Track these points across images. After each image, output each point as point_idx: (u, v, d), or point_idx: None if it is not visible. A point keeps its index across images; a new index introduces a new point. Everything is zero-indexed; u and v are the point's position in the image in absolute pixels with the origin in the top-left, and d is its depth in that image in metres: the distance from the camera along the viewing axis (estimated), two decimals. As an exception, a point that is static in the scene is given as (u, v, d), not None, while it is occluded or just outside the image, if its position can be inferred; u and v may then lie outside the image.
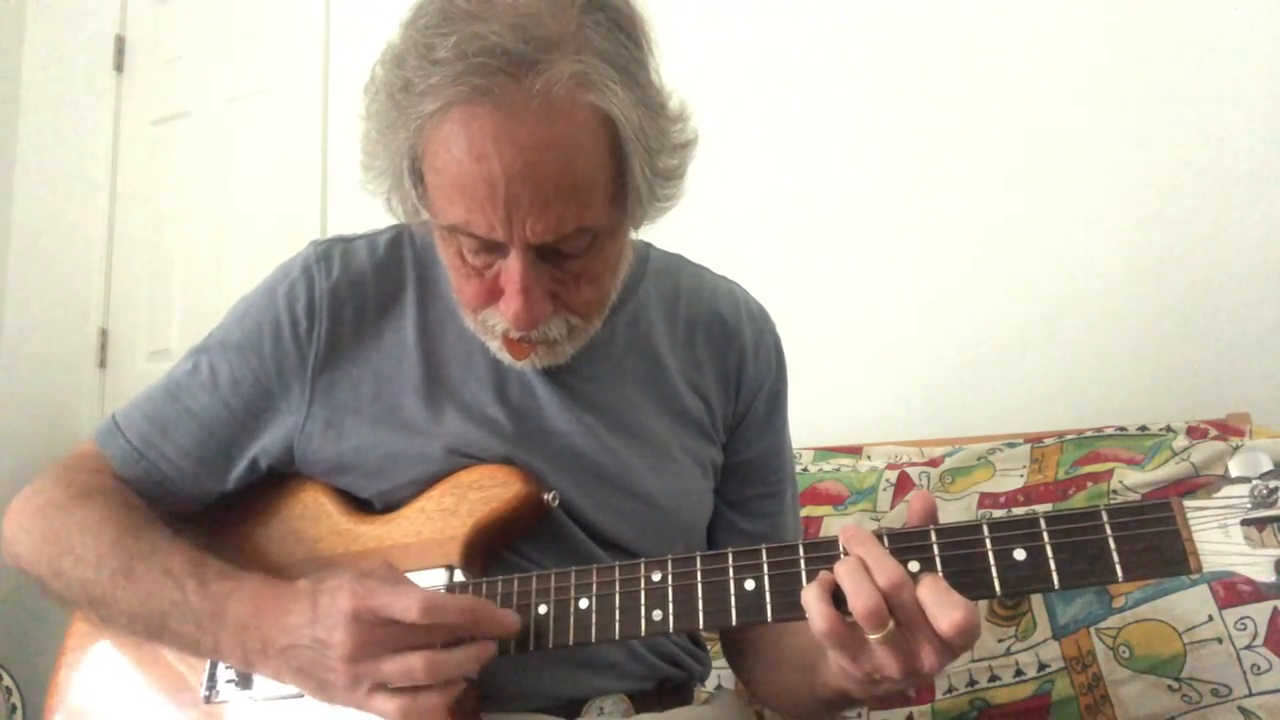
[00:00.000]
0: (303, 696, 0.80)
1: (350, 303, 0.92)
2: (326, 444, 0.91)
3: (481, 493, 0.86)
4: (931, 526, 0.69)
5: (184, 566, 0.82)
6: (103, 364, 2.91)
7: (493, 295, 0.81)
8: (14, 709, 2.30)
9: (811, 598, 0.67)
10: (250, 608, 0.79)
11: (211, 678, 0.89)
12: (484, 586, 0.81)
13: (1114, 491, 1.26)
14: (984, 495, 1.38)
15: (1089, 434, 1.38)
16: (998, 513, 1.34)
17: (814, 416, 1.50)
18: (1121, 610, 1.20)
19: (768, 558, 0.72)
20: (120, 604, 0.83)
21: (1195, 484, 1.20)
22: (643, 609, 0.75)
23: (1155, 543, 0.63)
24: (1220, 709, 1.10)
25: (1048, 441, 1.40)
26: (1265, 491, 0.60)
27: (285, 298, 0.91)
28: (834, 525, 1.43)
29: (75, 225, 2.98)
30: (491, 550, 0.87)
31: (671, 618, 0.74)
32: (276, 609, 0.78)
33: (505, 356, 0.86)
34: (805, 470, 1.54)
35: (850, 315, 1.85)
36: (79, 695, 0.97)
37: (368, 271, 0.93)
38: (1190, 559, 0.61)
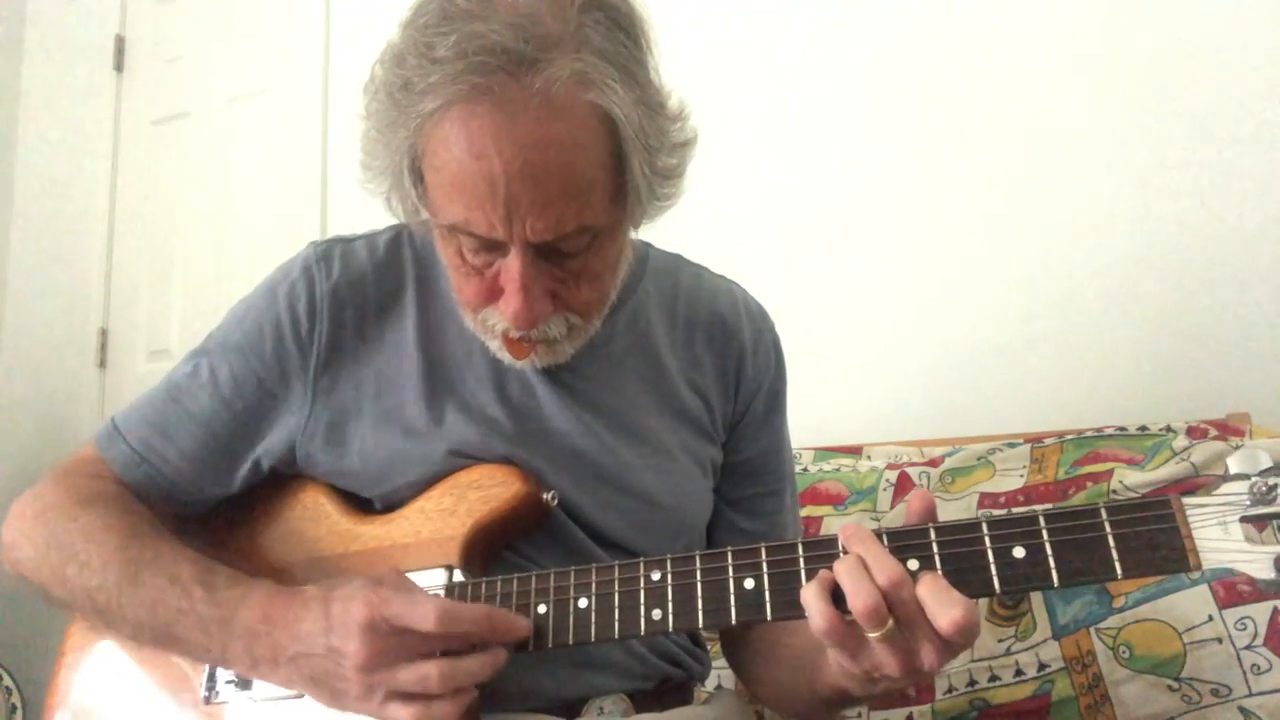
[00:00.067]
0: (302, 697, 0.80)
1: (351, 303, 0.92)
2: (329, 445, 0.91)
3: (481, 492, 0.86)
4: (931, 525, 0.68)
5: (191, 573, 0.82)
6: (103, 364, 2.91)
7: (492, 294, 0.81)
8: (14, 709, 2.30)
9: (811, 596, 0.67)
10: (260, 615, 0.79)
11: (211, 678, 0.89)
12: (483, 586, 0.81)
13: (1114, 491, 1.26)
14: (984, 495, 1.38)
15: (1089, 434, 1.38)
16: (998, 512, 1.34)
17: (814, 416, 1.50)
18: (1121, 610, 1.19)
19: (767, 556, 0.72)
20: (125, 612, 0.82)
21: (1195, 484, 1.20)
22: (642, 608, 0.75)
23: (1155, 540, 0.62)
24: (1220, 709, 1.10)
25: (1048, 441, 1.40)
26: (1264, 489, 0.60)
27: (286, 298, 0.91)
28: (834, 525, 1.43)
29: (75, 225, 2.98)
30: (491, 550, 0.87)
31: (671, 617, 0.74)
32: (287, 617, 0.78)
33: (505, 356, 0.86)
34: (805, 470, 1.54)
35: (850, 315, 1.85)
36: (79, 695, 0.97)
37: (368, 272, 0.93)
38: (1190, 556, 0.61)
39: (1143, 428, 1.35)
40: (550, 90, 0.72)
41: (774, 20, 2.00)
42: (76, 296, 2.96)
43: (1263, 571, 0.59)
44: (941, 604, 0.64)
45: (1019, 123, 1.73)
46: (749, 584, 0.72)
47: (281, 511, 0.95)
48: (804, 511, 1.39)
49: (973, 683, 1.25)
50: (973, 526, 0.67)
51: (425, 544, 0.86)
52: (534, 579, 0.79)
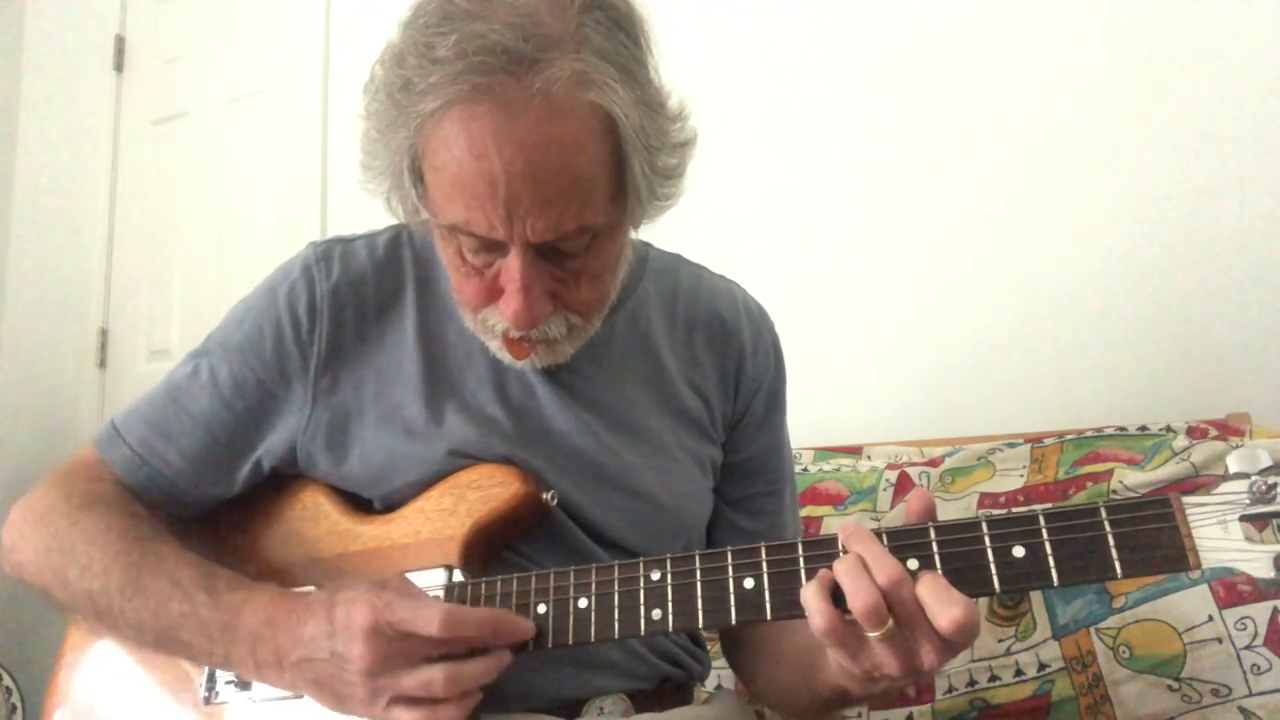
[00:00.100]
0: (302, 697, 0.80)
1: (351, 303, 0.92)
2: (329, 445, 0.91)
3: (480, 492, 0.86)
4: (930, 524, 0.68)
5: (193, 577, 0.82)
6: (103, 364, 2.90)
7: (492, 294, 0.81)
8: (14, 709, 2.30)
9: (811, 596, 0.67)
10: (263, 619, 0.79)
11: (211, 678, 0.89)
12: (483, 586, 0.81)
13: (1114, 491, 1.26)
14: (984, 495, 1.38)
15: (1089, 434, 1.38)
16: (997, 512, 1.34)
17: (814, 416, 1.50)
18: (1121, 610, 1.20)
19: (767, 556, 0.72)
20: (127, 615, 0.82)
21: (1195, 484, 1.20)
22: (642, 608, 0.75)
23: (1154, 539, 0.62)
24: (1220, 709, 1.10)
25: (1048, 441, 1.40)
26: (1264, 488, 0.60)
27: (286, 298, 0.91)
28: (834, 525, 1.43)
29: (75, 225, 2.98)
30: (490, 550, 0.87)
31: (671, 617, 0.74)
32: (290, 621, 0.78)
33: (505, 356, 0.86)
34: (805, 470, 1.54)
35: (850, 315, 1.85)
36: (79, 695, 0.97)
37: (367, 272, 0.93)
38: (1189, 555, 0.61)
39: (1143, 428, 1.35)
40: (551, 90, 0.72)
41: (774, 20, 2.00)
42: (76, 296, 2.95)
43: (1262, 571, 0.59)
44: (941, 603, 0.64)
45: (1019, 123, 1.73)
46: (749, 584, 0.72)
47: (281, 512, 0.95)
48: (804, 511, 1.39)
49: (973, 683, 1.25)
50: (972, 526, 0.67)
51: (425, 544, 0.86)
52: (534, 579, 0.79)
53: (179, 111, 2.90)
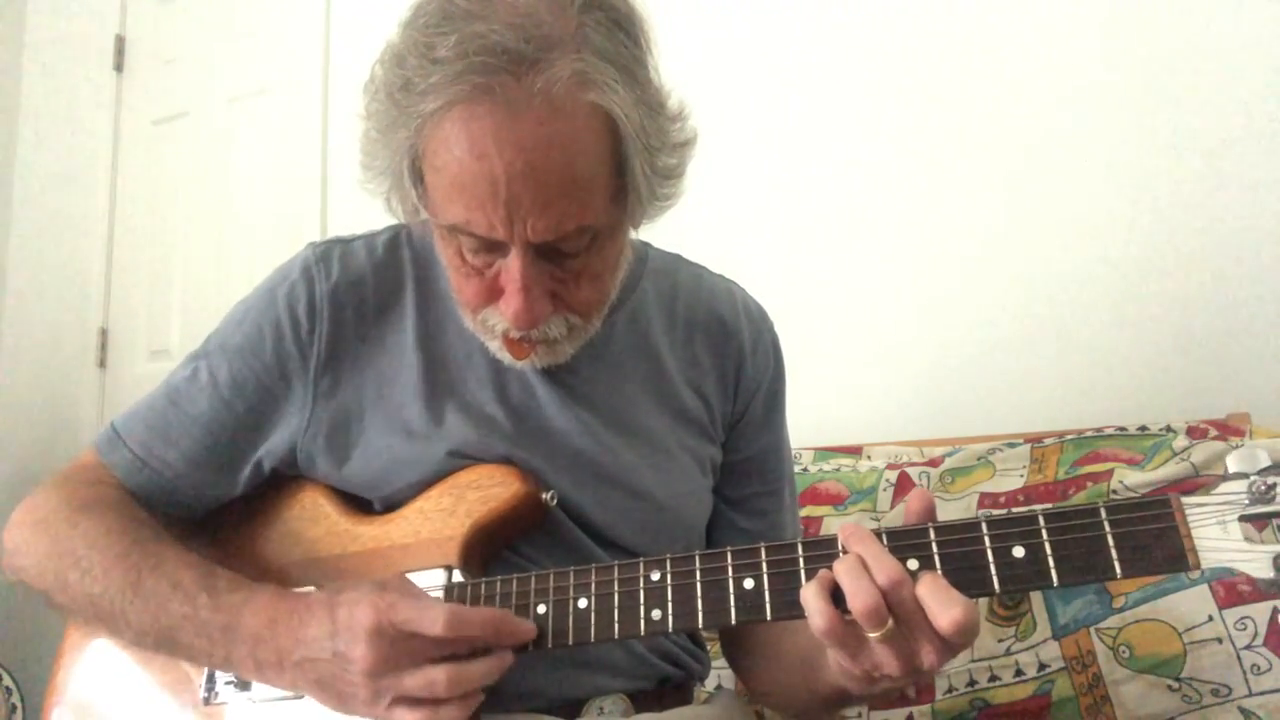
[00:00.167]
0: (302, 698, 0.80)
1: (350, 304, 0.92)
2: (330, 446, 0.91)
3: (480, 493, 0.86)
4: (930, 524, 0.68)
5: (194, 579, 0.82)
6: (103, 364, 2.90)
7: (493, 295, 0.81)
8: (14, 709, 2.30)
9: (811, 596, 0.67)
10: (264, 619, 0.79)
11: (210, 679, 0.89)
12: (483, 587, 0.81)
13: (1114, 491, 1.26)
14: (984, 495, 1.38)
15: (1089, 434, 1.38)
16: (997, 512, 1.34)
17: (814, 416, 1.51)
18: (1121, 610, 1.20)
19: (767, 556, 0.72)
20: (128, 618, 0.82)
21: (1195, 484, 1.20)
22: (642, 608, 0.75)
23: (1154, 539, 0.62)
24: (1220, 709, 1.10)
25: (1048, 441, 1.40)
26: (1263, 488, 0.60)
27: (286, 299, 0.91)
28: (834, 525, 1.43)
29: (75, 225, 2.98)
30: (490, 550, 0.87)
31: (671, 617, 0.74)
32: (292, 621, 0.78)
33: (505, 356, 0.86)
34: (805, 470, 1.54)
35: (850, 315, 1.85)
36: (78, 696, 0.97)
37: (367, 273, 0.93)
38: (1189, 555, 0.61)
39: (1143, 428, 1.35)
40: (551, 90, 0.72)
41: (774, 20, 2.00)
42: (76, 296, 2.95)
43: (1262, 571, 0.59)
44: (941, 604, 0.64)
45: (1019, 123, 1.73)
46: (749, 584, 0.72)
47: (280, 512, 0.95)
48: (804, 511, 1.39)
49: (973, 683, 1.25)
50: (972, 526, 0.67)
51: (424, 544, 0.86)
52: (533, 579, 0.79)
53: (179, 111, 2.90)
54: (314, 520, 0.93)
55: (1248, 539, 0.60)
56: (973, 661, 1.25)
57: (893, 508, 1.42)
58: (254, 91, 2.77)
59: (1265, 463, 0.61)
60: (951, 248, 1.77)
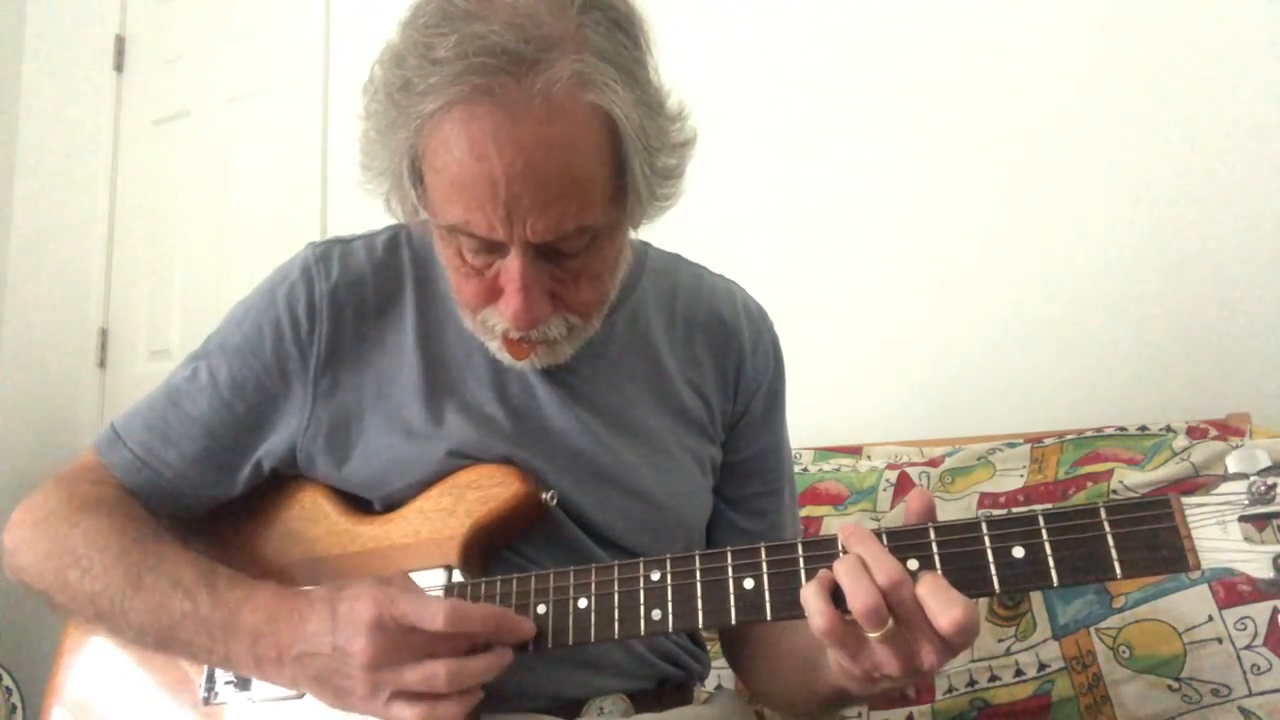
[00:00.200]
0: (302, 698, 0.80)
1: (350, 304, 0.92)
2: (330, 446, 0.91)
3: (479, 492, 0.86)
4: (930, 524, 0.68)
5: (194, 577, 0.82)
6: (103, 364, 2.90)
7: (492, 295, 0.81)
8: (14, 709, 2.30)
9: (811, 596, 0.67)
10: (264, 616, 0.79)
11: (210, 679, 0.89)
12: (482, 586, 0.81)
13: (1114, 491, 1.26)
14: (984, 495, 1.38)
15: (1089, 434, 1.38)
16: (997, 512, 1.34)
17: (814, 416, 1.51)
18: (1121, 610, 1.20)
19: (767, 556, 0.72)
20: (129, 616, 0.82)
21: (1195, 484, 1.20)
22: (642, 608, 0.75)
23: (1154, 540, 0.62)
24: (1220, 709, 1.10)
25: (1048, 441, 1.40)
26: (1263, 488, 0.60)
27: (285, 299, 0.91)
28: (834, 525, 1.43)
29: (75, 225, 2.98)
30: (490, 550, 0.87)
31: (671, 617, 0.74)
32: (292, 617, 0.78)
33: (505, 356, 0.86)
34: (805, 470, 1.54)
35: (850, 315, 1.85)
36: (78, 695, 0.97)
37: (366, 273, 0.93)
38: (1189, 556, 0.61)
39: (1143, 428, 1.35)
40: (551, 91, 0.72)
41: (774, 20, 2.00)
42: (76, 296, 2.95)
43: (1262, 571, 0.59)
44: (941, 604, 0.64)
45: (1019, 123, 1.73)
46: (749, 584, 0.72)
47: (280, 512, 0.95)
48: (804, 511, 1.39)
49: (973, 683, 1.25)
50: (972, 526, 0.67)
51: (424, 544, 0.86)
52: (533, 579, 0.79)
53: (179, 111, 2.90)
54: (314, 520, 0.93)
55: (1248, 539, 0.60)
56: (973, 661, 1.25)
57: (893, 508, 1.42)
58: (254, 91, 2.77)
59: (1265, 463, 0.61)
60: (951, 248, 1.77)
